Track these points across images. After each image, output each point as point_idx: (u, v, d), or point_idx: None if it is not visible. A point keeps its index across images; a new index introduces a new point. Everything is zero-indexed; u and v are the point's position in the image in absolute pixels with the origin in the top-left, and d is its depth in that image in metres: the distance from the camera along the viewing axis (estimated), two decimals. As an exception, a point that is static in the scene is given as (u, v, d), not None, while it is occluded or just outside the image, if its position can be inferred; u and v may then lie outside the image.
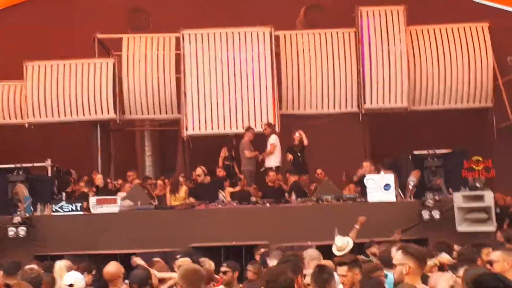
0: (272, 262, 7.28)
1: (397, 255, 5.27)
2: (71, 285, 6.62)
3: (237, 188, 13.13)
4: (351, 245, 8.66)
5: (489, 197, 11.39)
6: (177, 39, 15.82)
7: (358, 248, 9.40)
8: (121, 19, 16.93)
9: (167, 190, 13.66)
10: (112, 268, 6.88)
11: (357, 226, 9.86)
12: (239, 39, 15.62)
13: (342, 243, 8.49)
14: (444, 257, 6.84)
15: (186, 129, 15.32)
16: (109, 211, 12.14)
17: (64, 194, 13.51)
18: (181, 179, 13.87)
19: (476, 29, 15.88)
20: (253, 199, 12.59)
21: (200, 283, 5.27)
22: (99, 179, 13.85)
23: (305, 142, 14.10)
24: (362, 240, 10.26)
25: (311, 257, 7.02)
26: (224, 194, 12.84)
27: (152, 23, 17.05)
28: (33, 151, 15.74)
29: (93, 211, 12.14)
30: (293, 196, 12.76)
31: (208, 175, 13.52)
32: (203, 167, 13.51)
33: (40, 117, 15.62)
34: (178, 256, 8.37)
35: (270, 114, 15.27)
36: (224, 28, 15.69)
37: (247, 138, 14.34)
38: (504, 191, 13.46)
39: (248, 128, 14.57)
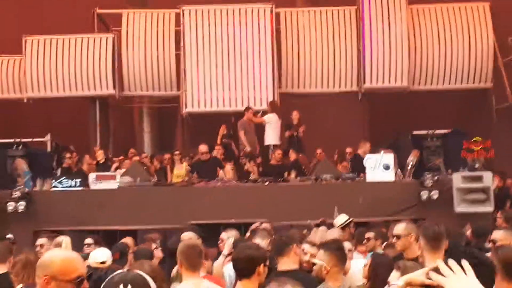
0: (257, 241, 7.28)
1: None
2: (103, 262, 6.41)
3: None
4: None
5: (487, 178, 11.41)
6: (177, 15, 15.72)
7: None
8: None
9: (167, 167, 13.66)
10: (128, 241, 6.93)
11: None
12: (239, 16, 15.53)
13: (344, 221, 8.53)
14: None
15: (186, 107, 15.30)
16: (108, 187, 12.12)
17: (60, 169, 13.48)
18: (176, 156, 13.80)
19: (478, 9, 15.80)
20: (252, 177, 12.60)
21: (199, 258, 5.30)
22: (100, 154, 13.83)
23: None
24: (362, 220, 10.34)
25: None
26: (224, 173, 12.83)
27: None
28: (32, 126, 15.73)
29: (92, 187, 12.13)
30: (293, 175, 12.78)
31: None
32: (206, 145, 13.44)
33: (39, 92, 15.55)
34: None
35: (270, 92, 15.24)
36: (224, 5, 15.61)
37: (246, 117, 14.29)
38: (503, 172, 13.51)
39: (247, 108, 14.50)
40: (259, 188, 12.15)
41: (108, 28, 16.55)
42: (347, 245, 6.45)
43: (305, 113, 14.56)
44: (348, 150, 13.89)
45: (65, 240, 7.57)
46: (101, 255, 6.47)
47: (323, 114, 15.33)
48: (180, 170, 13.49)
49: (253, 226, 8.79)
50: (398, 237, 5.78)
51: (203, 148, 13.06)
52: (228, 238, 7.18)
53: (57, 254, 3.73)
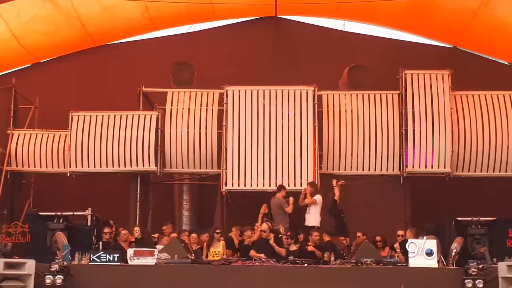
0: None
1: None
2: None
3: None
4: None
5: (535, 268, 11.00)
6: (221, 95, 15.99)
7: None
8: (166, 72, 17.21)
9: (204, 245, 13.58)
10: None
11: None
12: (282, 97, 15.73)
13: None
14: None
15: (226, 185, 15.33)
16: (145, 263, 12.05)
17: (100, 243, 13.49)
18: (216, 235, 13.75)
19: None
20: (290, 258, 12.40)
21: None
22: (136, 231, 13.82)
23: (336, 194, 14.13)
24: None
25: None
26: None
27: (196, 78, 17.30)
28: (74, 199, 15.88)
29: (130, 262, 12.07)
30: (332, 257, 12.54)
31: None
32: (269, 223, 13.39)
33: (82, 167, 15.79)
34: None
35: (310, 173, 15.22)
36: (267, 86, 15.84)
37: (280, 195, 14.24)
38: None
39: (281, 187, 14.50)
40: (298, 269, 11.92)
41: (153, 106, 16.87)
42: None
43: (345, 195, 14.42)
44: (400, 232, 13.57)
45: None
46: None
47: (363, 197, 15.17)
48: (217, 248, 13.44)
49: None
50: None
51: (264, 226, 13.05)
52: None
53: None
